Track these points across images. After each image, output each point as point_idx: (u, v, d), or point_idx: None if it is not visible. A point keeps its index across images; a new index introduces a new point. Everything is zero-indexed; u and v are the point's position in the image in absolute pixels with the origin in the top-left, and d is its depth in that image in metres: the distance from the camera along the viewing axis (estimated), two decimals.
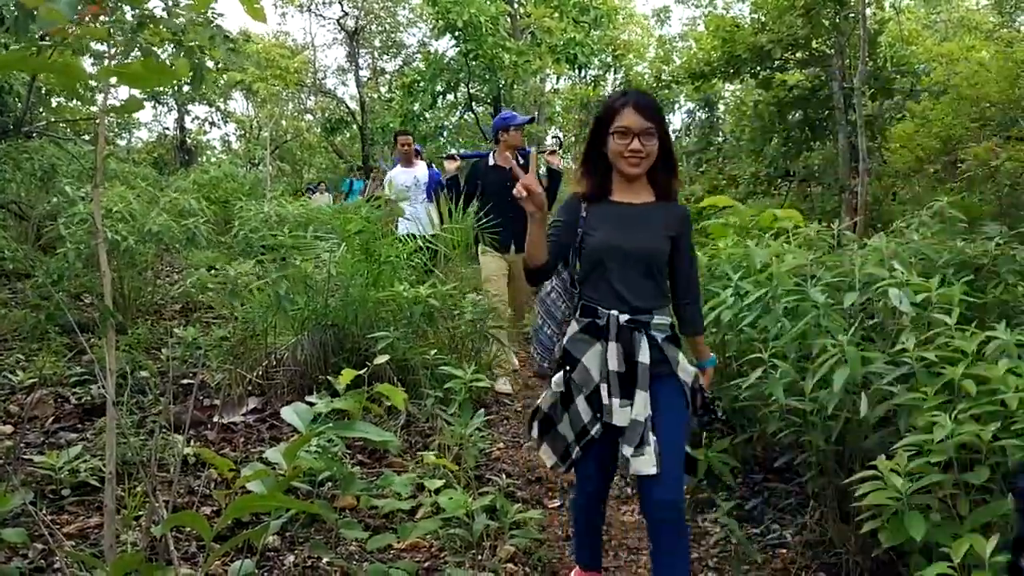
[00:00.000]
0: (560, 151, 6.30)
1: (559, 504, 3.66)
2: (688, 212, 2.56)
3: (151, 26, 3.46)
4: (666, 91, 11.50)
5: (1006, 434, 2.08)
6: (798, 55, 9.87)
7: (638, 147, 2.34)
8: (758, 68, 10.09)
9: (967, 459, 2.18)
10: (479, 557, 2.93)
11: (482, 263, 5.60)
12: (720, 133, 14.04)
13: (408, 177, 7.35)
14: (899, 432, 2.47)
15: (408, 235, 6.31)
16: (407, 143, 7.60)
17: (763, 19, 10.05)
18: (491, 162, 5.65)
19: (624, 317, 2.37)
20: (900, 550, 2.49)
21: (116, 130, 22.01)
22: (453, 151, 7.53)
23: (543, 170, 6.25)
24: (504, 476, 3.82)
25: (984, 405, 2.13)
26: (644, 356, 2.34)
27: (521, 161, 5.46)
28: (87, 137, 11.29)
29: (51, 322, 5.54)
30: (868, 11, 7.97)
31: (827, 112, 9.82)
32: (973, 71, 7.22)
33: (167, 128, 27.29)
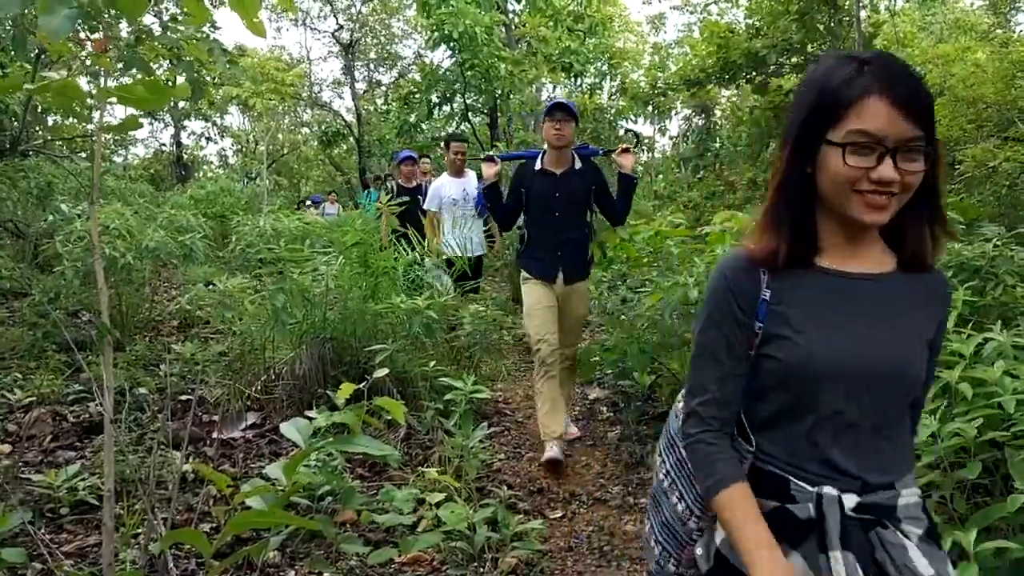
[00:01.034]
0: (636, 149, 4.91)
1: (561, 515, 3.64)
2: (950, 289, 1.45)
3: (147, 42, 3.47)
4: (662, 98, 11.52)
5: (1003, 437, 2.07)
6: (793, 60, 9.89)
7: (892, 175, 1.20)
8: (754, 73, 10.12)
9: (964, 461, 2.17)
10: (481, 570, 2.91)
11: (524, 292, 4.42)
12: (717, 139, 14.06)
13: (457, 189, 6.36)
14: None
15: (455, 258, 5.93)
16: (461, 151, 6.52)
17: (757, 24, 10.08)
18: (538, 165, 4.34)
19: (851, 500, 1.26)
20: None
21: (112, 147, 22.05)
22: (492, 151, 6.83)
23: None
24: (505, 488, 3.80)
25: (981, 408, 2.12)
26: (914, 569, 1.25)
27: (578, 166, 4.34)
28: (83, 155, 11.30)
29: (48, 340, 5.53)
30: (863, 14, 8.00)
31: None
32: (969, 72, 7.23)
33: (163, 144, 27.34)
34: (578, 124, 4.42)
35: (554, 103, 4.25)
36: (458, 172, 6.54)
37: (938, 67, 8.16)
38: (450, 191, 6.38)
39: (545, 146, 4.36)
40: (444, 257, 6.02)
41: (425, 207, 6.56)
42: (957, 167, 7.02)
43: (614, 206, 4.35)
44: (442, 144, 7.18)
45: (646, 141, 19.84)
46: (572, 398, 4.92)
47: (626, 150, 4.36)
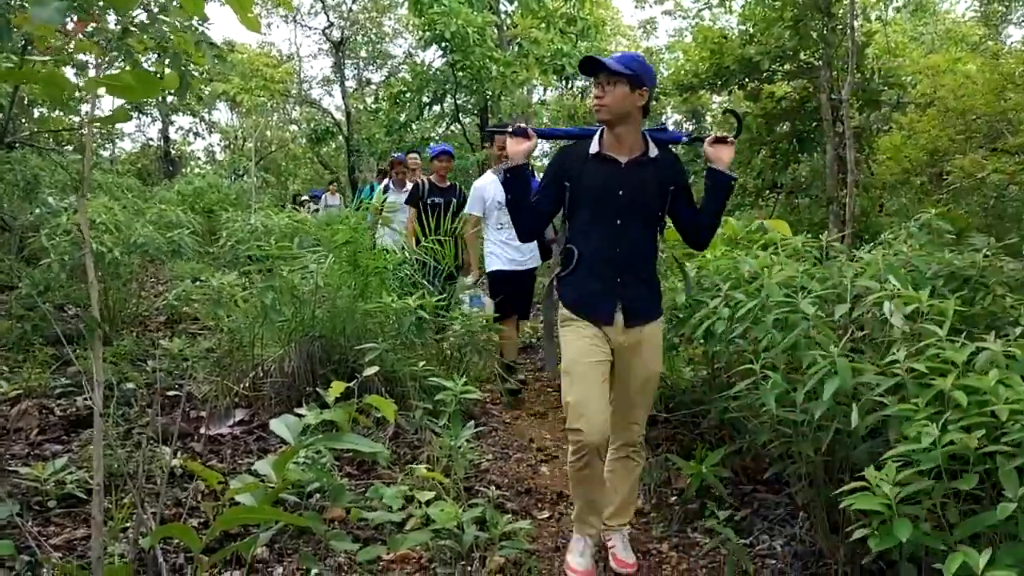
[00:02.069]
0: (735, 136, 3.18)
1: (548, 516, 3.64)
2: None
3: (136, 34, 3.45)
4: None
5: (995, 445, 2.08)
6: (786, 67, 9.94)
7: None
8: (746, 80, 10.16)
9: (956, 469, 2.19)
10: (469, 568, 2.91)
11: (563, 339, 2.99)
12: None
13: (501, 189, 5.40)
14: (888, 443, 2.48)
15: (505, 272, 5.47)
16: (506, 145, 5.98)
17: (751, 31, 10.13)
18: (594, 147, 2.93)
19: None
20: (889, 559, 2.50)
21: (99, 140, 21.90)
22: (522, 123, 6.35)
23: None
24: (494, 488, 3.80)
25: (974, 416, 2.14)
26: None
27: (653, 153, 2.95)
28: (70, 147, 11.22)
29: (36, 333, 5.49)
30: (856, 23, 8.06)
31: (815, 124, 9.90)
32: (959, 83, 7.30)
33: (151, 139, 27.17)
34: (647, 87, 2.87)
35: (585, 58, 2.88)
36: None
37: (928, 77, 8.24)
38: (495, 192, 5.49)
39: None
40: (483, 275, 5.70)
41: (467, 210, 5.77)
42: (946, 177, 7.09)
43: (698, 217, 3.04)
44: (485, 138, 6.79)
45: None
46: (631, 504, 3.23)
47: (722, 139, 3.00)
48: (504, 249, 5.52)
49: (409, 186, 6.51)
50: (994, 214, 6.24)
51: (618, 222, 2.89)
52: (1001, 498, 2.05)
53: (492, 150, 5.94)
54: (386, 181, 8.39)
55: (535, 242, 5.48)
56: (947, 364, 2.35)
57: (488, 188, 5.58)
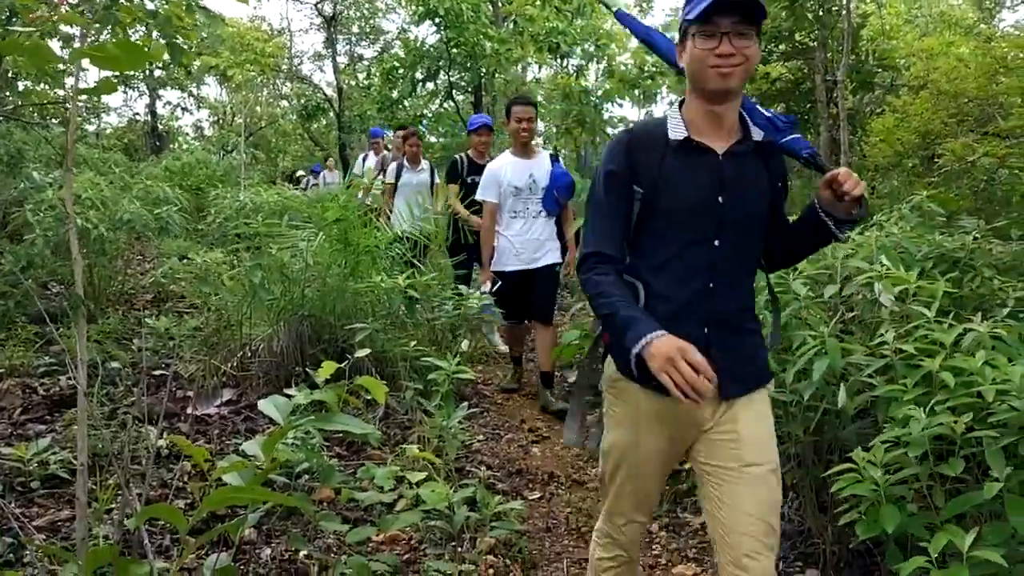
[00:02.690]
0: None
1: (539, 496, 3.65)
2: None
3: (124, 5, 3.37)
4: (649, 82, 11.48)
5: (982, 426, 2.09)
6: (781, 47, 9.89)
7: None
8: None
9: (943, 450, 2.19)
10: (459, 549, 2.91)
11: (608, 412, 2.14)
12: None
13: (522, 173, 4.82)
14: (877, 424, 2.49)
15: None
16: (527, 116, 4.87)
17: None
18: (678, 131, 1.92)
19: None
20: (876, 539, 2.51)
21: (85, 114, 21.64)
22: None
23: None
24: (484, 468, 3.80)
25: (961, 397, 2.14)
26: None
27: (758, 137, 1.97)
28: (55, 121, 11.07)
29: (19, 311, 5.42)
30: (851, 5, 8.01)
31: (809, 105, 9.87)
32: (952, 67, 7.27)
33: (137, 113, 26.84)
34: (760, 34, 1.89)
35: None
36: (524, 149, 4.93)
37: (922, 60, 8.21)
38: (511, 175, 4.82)
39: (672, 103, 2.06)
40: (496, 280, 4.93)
41: (479, 196, 5.00)
42: (937, 160, 7.08)
43: (789, 239, 2.06)
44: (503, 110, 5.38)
45: (631, 125, 19.75)
46: None
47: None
48: (514, 244, 4.85)
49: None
50: (984, 197, 6.24)
51: (715, 243, 1.90)
52: (986, 478, 2.06)
53: (508, 124, 5.01)
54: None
55: (554, 230, 4.97)
56: (935, 345, 2.35)
57: (505, 170, 4.83)
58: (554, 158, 5.08)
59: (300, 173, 18.11)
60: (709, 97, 1.88)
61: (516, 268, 4.88)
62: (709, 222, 1.90)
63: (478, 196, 5.01)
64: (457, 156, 6.10)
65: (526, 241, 4.86)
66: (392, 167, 7.04)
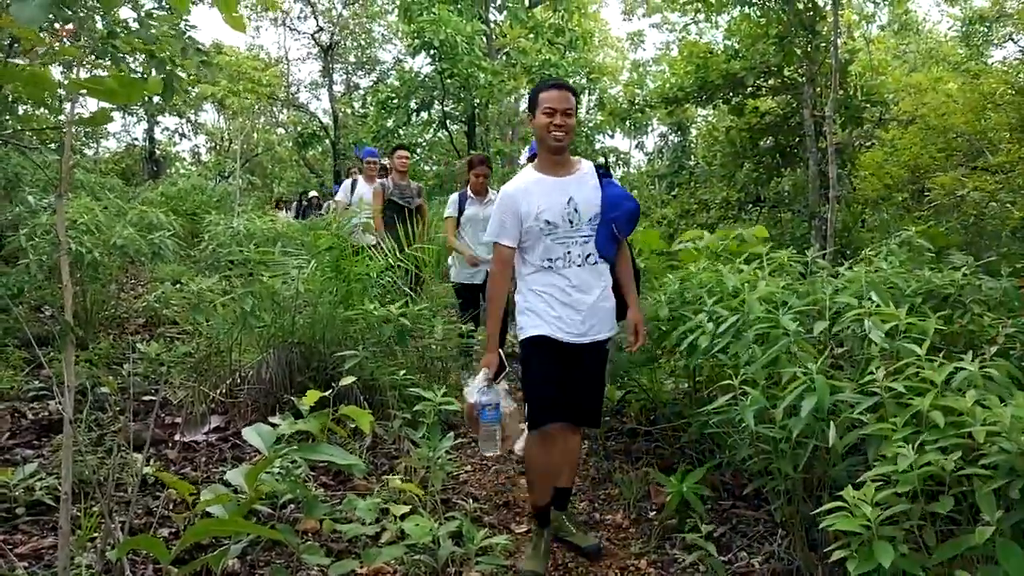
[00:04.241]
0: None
1: (526, 530, 3.61)
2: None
3: (123, 36, 3.41)
4: (639, 114, 11.61)
5: (972, 466, 2.08)
6: (770, 82, 10.00)
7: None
8: (731, 94, 10.21)
9: (934, 490, 2.19)
10: None
11: None
12: (692, 157, 14.18)
13: (556, 199, 3.18)
14: (867, 461, 2.48)
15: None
16: (561, 107, 3.13)
17: (736, 46, 10.19)
18: None
19: None
20: None
21: (83, 139, 21.68)
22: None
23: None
24: (471, 500, 3.77)
25: (951, 437, 2.14)
26: None
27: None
28: (53, 146, 11.09)
29: (9, 335, 5.40)
30: (839, 41, 8.12)
31: (798, 139, 9.96)
32: (941, 102, 7.37)
33: (136, 139, 26.92)
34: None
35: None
36: (556, 160, 3.21)
37: (911, 95, 8.31)
38: (539, 203, 3.16)
39: None
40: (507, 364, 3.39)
41: (487, 237, 3.42)
42: (927, 194, 7.15)
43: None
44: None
45: (623, 156, 19.93)
46: None
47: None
48: (552, 310, 3.18)
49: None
50: (974, 232, 6.29)
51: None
52: (978, 519, 2.05)
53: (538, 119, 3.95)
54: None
55: (609, 283, 3.29)
56: (925, 383, 2.35)
57: (528, 197, 3.19)
58: (602, 171, 3.33)
59: (313, 194, 17.49)
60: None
61: (550, 333, 3.15)
62: None
63: (485, 237, 3.48)
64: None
65: (570, 305, 3.15)
66: (454, 199, 6.10)
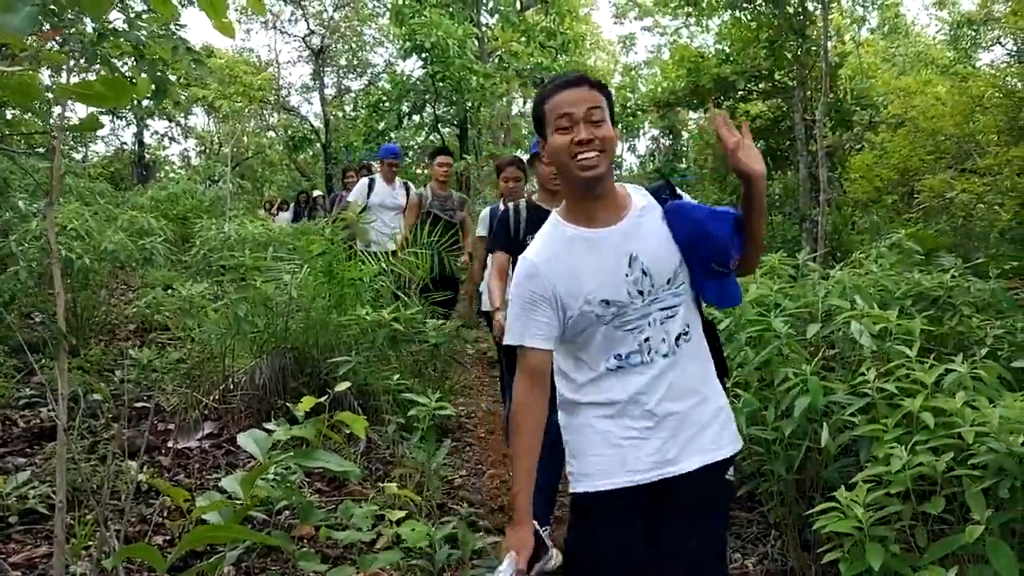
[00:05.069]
0: None
1: None
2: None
3: (112, 39, 3.40)
4: (631, 118, 11.65)
5: (962, 467, 2.11)
6: (761, 86, 10.07)
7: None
8: (722, 98, 10.27)
9: (925, 490, 2.21)
10: None
11: None
12: (684, 160, 14.24)
13: (613, 264, 1.96)
14: (859, 462, 2.50)
15: None
16: (585, 115, 1.88)
17: (727, 50, 10.26)
18: None
19: None
20: None
21: (72, 143, 21.59)
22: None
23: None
24: (466, 505, 3.77)
25: (941, 438, 2.16)
26: None
27: None
28: (41, 151, 11.04)
29: (0, 343, 5.37)
30: (829, 44, 8.17)
31: (788, 142, 10.03)
32: (930, 105, 7.43)
33: (125, 142, 26.81)
34: None
35: None
36: (590, 199, 1.91)
37: (900, 98, 8.37)
38: (587, 279, 2.04)
39: None
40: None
41: (507, 340, 2.09)
42: (916, 196, 7.20)
43: None
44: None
45: (615, 159, 19.92)
46: None
47: None
48: (624, 429, 1.97)
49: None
50: (962, 234, 6.35)
51: None
52: (968, 519, 2.07)
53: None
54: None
55: (709, 363, 2.09)
56: (916, 385, 2.37)
57: (562, 264, 2.01)
58: (665, 194, 2.10)
59: (318, 193, 16.78)
60: None
61: (626, 483, 1.95)
62: None
63: (506, 340, 2.10)
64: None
65: (654, 423, 1.96)
66: (485, 215, 4.82)
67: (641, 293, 1.95)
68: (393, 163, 6.95)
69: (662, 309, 1.97)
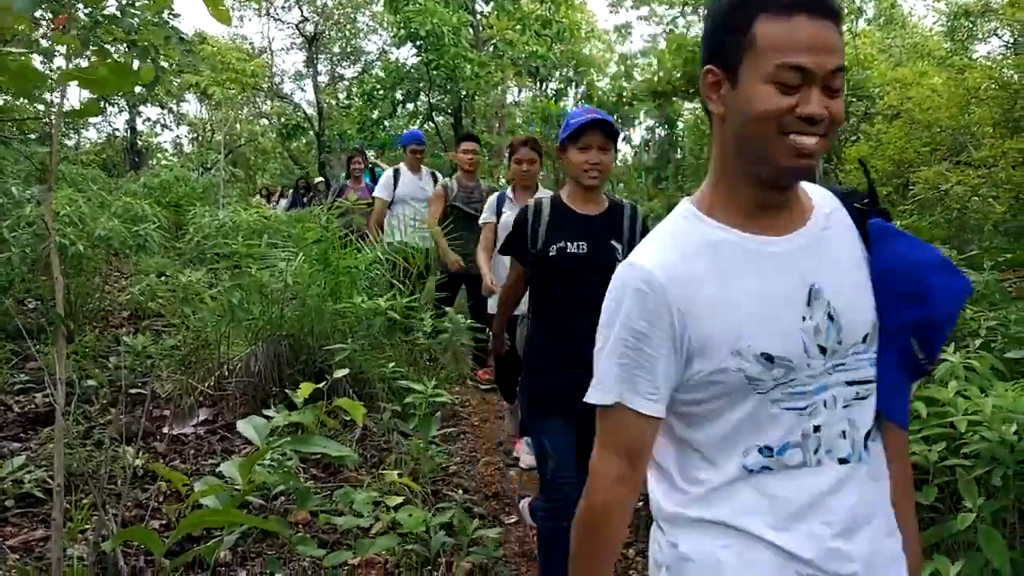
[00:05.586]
0: None
1: (516, 520, 3.64)
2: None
3: (106, 25, 3.38)
4: (627, 108, 11.63)
5: (954, 456, 2.13)
6: None
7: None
8: None
9: (917, 480, 2.23)
10: (436, 574, 2.90)
11: None
12: (679, 150, 14.24)
13: (784, 293, 1.18)
14: None
15: None
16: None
17: None
18: None
19: None
20: None
21: (64, 130, 21.46)
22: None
23: None
24: (461, 492, 3.79)
25: (934, 427, 2.19)
26: None
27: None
28: (33, 137, 10.98)
29: None
30: None
31: None
32: (926, 96, 7.42)
33: (117, 129, 26.65)
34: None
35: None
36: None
37: (896, 90, 8.37)
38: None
39: None
40: None
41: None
42: (911, 188, 7.22)
43: None
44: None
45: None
46: None
47: None
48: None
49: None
50: (957, 226, 6.36)
51: None
52: (960, 508, 2.10)
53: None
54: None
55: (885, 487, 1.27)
56: None
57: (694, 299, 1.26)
58: (855, 201, 1.29)
59: (319, 180, 16.44)
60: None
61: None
62: None
63: (595, 397, 1.26)
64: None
65: (827, 554, 1.16)
66: (492, 202, 4.55)
67: (823, 351, 1.17)
68: (417, 150, 6.40)
69: (850, 384, 1.19)
